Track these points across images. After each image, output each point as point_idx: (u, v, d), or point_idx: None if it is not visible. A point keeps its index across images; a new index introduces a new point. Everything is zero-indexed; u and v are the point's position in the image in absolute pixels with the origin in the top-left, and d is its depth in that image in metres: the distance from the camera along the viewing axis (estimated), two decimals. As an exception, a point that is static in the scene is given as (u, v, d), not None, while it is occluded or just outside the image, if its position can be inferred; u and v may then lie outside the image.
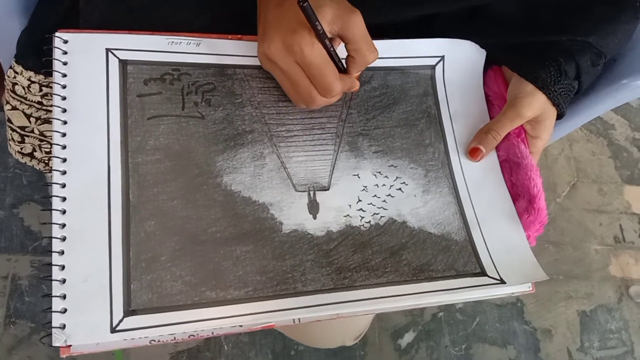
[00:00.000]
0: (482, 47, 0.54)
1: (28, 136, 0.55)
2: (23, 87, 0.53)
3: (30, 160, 0.57)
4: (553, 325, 1.18)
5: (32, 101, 0.53)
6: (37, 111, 0.53)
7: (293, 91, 0.44)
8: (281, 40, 0.40)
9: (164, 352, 0.93)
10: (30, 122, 0.54)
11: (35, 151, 0.55)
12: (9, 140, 0.56)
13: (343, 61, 0.45)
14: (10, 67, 0.53)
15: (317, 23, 0.39)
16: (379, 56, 0.50)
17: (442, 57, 0.53)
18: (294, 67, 0.42)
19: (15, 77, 0.53)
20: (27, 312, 0.91)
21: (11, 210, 0.96)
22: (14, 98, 0.53)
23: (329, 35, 0.41)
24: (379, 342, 1.07)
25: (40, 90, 0.52)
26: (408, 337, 1.09)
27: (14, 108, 0.54)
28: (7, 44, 0.53)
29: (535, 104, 0.49)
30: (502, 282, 0.45)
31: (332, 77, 0.42)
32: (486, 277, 0.45)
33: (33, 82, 0.52)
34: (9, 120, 0.54)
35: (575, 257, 1.26)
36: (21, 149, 0.56)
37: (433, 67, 0.53)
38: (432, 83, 0.53)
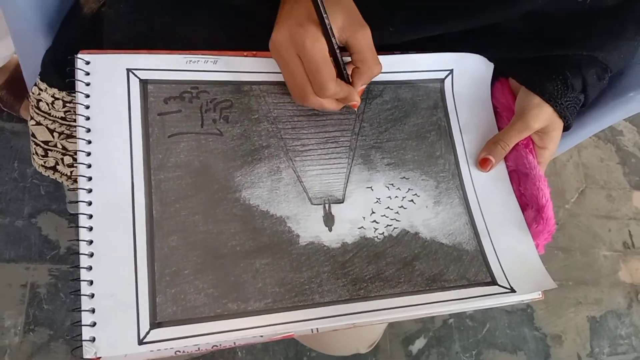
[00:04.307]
0: (489, 60, 0.55)
1: (51, 150, 0.57)
2: (47, 104, 0.55)
3: (53, 174, 0.59)
4: (563, 331, 1.19)
5: (55, 117, 0.55)
6: (60, 126, 0.55)
7: (290, 84, 0.45)
8: (288, 31, 0.42)
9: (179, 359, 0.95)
10: (53, 136, 0.56)
11: (58, 165, 0.57)
12: (33, 154, 0.58)
13: (349, 72, 0.46)
14: (35, 85, 0.55)
15: (325, 16, 0.40)
16: (390, 70, 0.52)
17: (451, 71, 0.54)
18: (294, 59, 0.42)
19: (39, 94, 0.54)
20: (45, 320, 0.92)
21: (29, 219, 0.98)
22: (38, 114, 0.55)
23: (336, 42, 0.42)
24: (390, 349, 1.08)
25: (64, 106, 0.54)
26: (419, 344, 1.10)
27: (38, 123, 0.56)
28: (33, 62, 0.55)
29: (543, 116, 0.50)
30: (512, 290, 0.46)
31: (327, 76, 0.42)
32: (497, 286, 0.46)
33: (57, 98, 0.54)
34: (33, 135, 0.56)
35: (585, 263, 1.27)
36: (44, 162, 0.58)
37: (442, 81, 0.54)
38: (442, 96, 0.54)
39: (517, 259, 0.48)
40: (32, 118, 0.56)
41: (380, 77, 0.51)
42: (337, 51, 0.43)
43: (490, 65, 0.55)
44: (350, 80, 0.46)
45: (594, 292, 1.24)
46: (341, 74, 0.45)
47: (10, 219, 0.98)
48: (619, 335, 1.21)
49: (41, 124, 0.56)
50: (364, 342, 0.62)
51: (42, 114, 0.55)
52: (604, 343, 1.20)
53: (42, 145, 0.56)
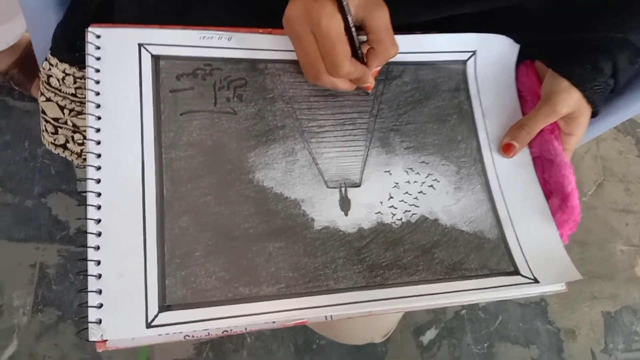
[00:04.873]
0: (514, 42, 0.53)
1: (61, 127, 0.55)
2: (58, 79, 0.53)
3: (63, 152, 0.58)
4: (577, 326, 1.17)
5: (66, 93, 0.54)
6: (70, 103, 0.54)
7: (303, 61, 0.43)
8: (303, 6, 0.40)
9: (188, 344, 0.94)
10: (63, 113, 0.55)
11: (68, 142, 0.56)
12: (43, 131, 0.57)
13: (364, 51, 0.44)
14: (46, 59, 0.54)
15: None
16: (410, 50, 0.50)
17: (474, 52, 0.52)
18: (308, 36, 0.41)
19: (50, 69, 0.53)
20: (54, 300, 0.92)
21: (39, 199, 0.98)
22: (48, 90, 0.54)
23: (352, 20, 0.41)
24: (400, 339, 1.06)
25: (75, 82, 0.53)
26: (430, 334, 1.08)
27: (48, 100, 0.54)
28: (44, 37, 0.53)
29: (570, 100, 0.48)
30: (536, 281, 0.44)
31: (342, 55, 0.41)
32: (519, 276, 0.45)
33: (67, 74, 0.53)
34: (43, 112, 0.55)
35: (601, 257, 1.24)
36: (54, 140, 0.57)
37: (464, 62, 0.52)
38: (464, 78, 0.52)
39: (541, 249, 0.46)
40: (42, 94, 0.55)
41: (400, 58, 0.50)
42: (353, 30, 0.41)
43: (516, 46, 0.53)
44: (365, 60, 0.44)
45: (610, 286, 1.22)
46: (356, 54, 0.43)
47: (20, 199, 0.97)
48: (634, 332, 1.19)
49: (51, 100, 0.54)
50: (379, 332, 0.60)
51: (52, 89, 0.54)
52: (619, 339, 1.18)
53: (52, 122, 0.55)
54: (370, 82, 0.45)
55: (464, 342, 1.09)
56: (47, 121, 0.55)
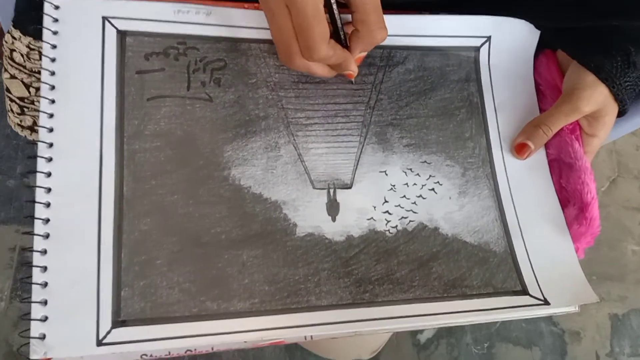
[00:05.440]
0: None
1: (27, 108, 0.51)
2: (22, 55, 0.48)
3: (31, 134, 0.53)
4: (582, 328, 1.12)
5: (31, 70, 0.49)
6: (37, 81, 0.49)
7: (275, 40, 0.38)
8: None
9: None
10: (29, 92, 0.50)
11: (36, 124, 0.51)
12: (8, 111, 0.52)
13: (348, 33, 0.39)
14: (8, 32, 0.48)
15: None
16: (416, 34, 0.44)
17: (489, 38, 0.46)
18: (282, 10, 0.35)
19: (13, 43, 0.48)
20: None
21: (21, 179, 0.93)
22: (12, 66, 0.49)
23: None
24: (397, 338, 1.02)
25: (41, 58, 0.47)
26: (428, 333, 1.04)
27: (13, 77, 0.49)
28: (6, 6, 0.48)
29: (596, 97, 0.42)
30: (546, 302, 0.39)
31: (318, 35, 0.35)
32: (528, 297, 0.39)
33: (32, 49, 0.48)
34: (8, 90, 0.50)
35: (611, 257, 1.19)
36: (20, 121, 0.52)
37: (477, 49, 0.46)
38: (476, 67, 0.46)
39: (553, 265, 0.41)
40: (5, 70, 0.50)
41: (405, 41, 0.44)
42: (334, 6, 0.36)
43: (536, 33, 0.47)
44: (348, 44, 0.39)
45: (619, 288, 1.17)
46: (337, 35, 0.38)
47: (2, 178, 0.93)
48: (642, 336, 1.14)
49: (16, 78, 0.49)
50: (367, 349, 0.56)
51: (16, 66, 0.49)
52: (625, 343, 1.13)
53: (18, 101, 0.50)
54: (352, 70, 0.40)
55: (463, 342, 1.05)
56: (12, 100, 0.51)
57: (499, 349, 1.06)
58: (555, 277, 0.40)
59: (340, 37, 0.38)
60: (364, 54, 0.40)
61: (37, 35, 0.47)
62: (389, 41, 0.44)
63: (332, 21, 0.36)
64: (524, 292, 0.40)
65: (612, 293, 1.16)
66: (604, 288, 1.16)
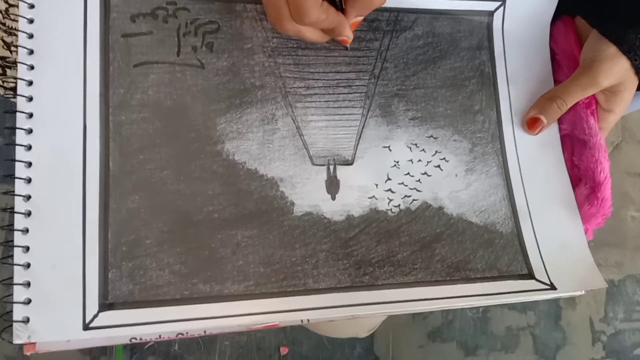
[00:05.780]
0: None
1: (10, 68, 0.47)
2: (0, 11, 0.45)
3: (14, 97, 0.50)
4: (578, 293, 1.12)
5: (12, 28, 0.45)
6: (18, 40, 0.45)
7: (264, 1, 0.34)
8: None
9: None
10: (11, 52, 0.46)
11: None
12: (-11, 71, 0.49)
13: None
14: (-16, -14, 0.45)
15: None
16: None
17: (503, 2, 0.43)
18: None
19: (-11, -1, 0.44)
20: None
21: (10, 137, 0.90)
22: (-10, 24, 0.46)
23: None
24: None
25: None
26: (424, 298, 1.04)
27: (-8, 36, 0.46)
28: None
29: (616, 71, 0.39)
30: (553, 287, 0.38)
31: None
32: (534, 281, 0.38)
33: (12, 4, 0.44)
34: (-13, 49, 0.47)
35: (610, 223, 1.17)
36: (2, 82, 0.49)
37: (491, 14, 0.43)
38: (489, 34, 0.43)
39: (562, 248, 0.39)
40: (-17, 28, 0.46)
41: (414, 4, 0.40)
42: None
43: (555, -3, 0.43)
44: (344, 7, 0.35)
45: (616, 254, 1.16)
46: (334, 2, 0.34)
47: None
48: (636, 302, 1.15)
49: (-5, 36, 0.46)
50: (364, 327, 0.55)
51: (-5, 23, 0.45)
52: (619, 308, 1.14)
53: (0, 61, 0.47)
54: (347, 35, 0.36)
55: (459, 306, 1.05)
56: (-8, 59, 0.47)
57: (494, 313, 1.06)
58: (563, 261, 0.39)
59: (334, 1, 0.34)
60: (360, 18, 0.36)
61: (17, -10, 0.44)
62: (396, 2, 0.40)
63: None
64: (530, 275, 0.38)
65: (609, 259, 1.16)
66: (602, 254, 1.15)
